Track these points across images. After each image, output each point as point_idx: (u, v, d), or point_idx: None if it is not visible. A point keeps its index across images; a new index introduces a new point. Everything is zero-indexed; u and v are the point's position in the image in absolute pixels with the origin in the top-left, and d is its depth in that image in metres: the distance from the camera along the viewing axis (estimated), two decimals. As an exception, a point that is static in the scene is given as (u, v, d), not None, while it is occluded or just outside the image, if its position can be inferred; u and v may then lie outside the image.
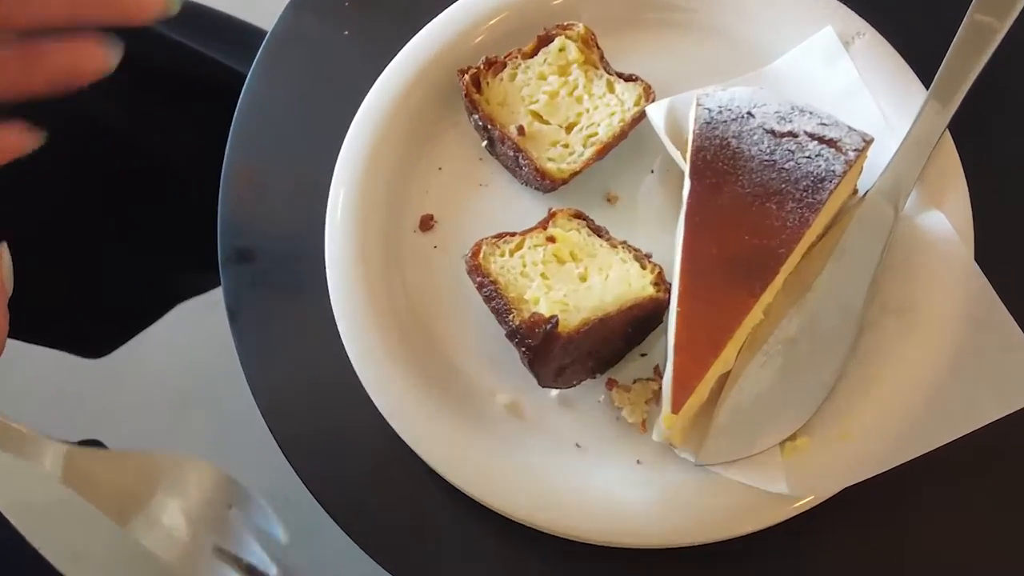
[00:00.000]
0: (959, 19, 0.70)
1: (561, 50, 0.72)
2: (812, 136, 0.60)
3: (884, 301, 0.66)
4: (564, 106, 0.71)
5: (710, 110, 0.62)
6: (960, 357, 0.63)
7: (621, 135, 0.70)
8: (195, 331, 1.67)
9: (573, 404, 0.68)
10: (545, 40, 0.72)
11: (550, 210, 0.68)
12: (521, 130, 0.70)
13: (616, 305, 0.63)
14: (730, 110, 0.61)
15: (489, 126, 0.70)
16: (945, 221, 0.66)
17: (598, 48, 0.72)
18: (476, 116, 0.71)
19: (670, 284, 0.64)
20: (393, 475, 0.68)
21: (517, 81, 0.72)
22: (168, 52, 0.93)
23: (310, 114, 0.79)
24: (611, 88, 0.71)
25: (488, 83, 0.72)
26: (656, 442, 0.65)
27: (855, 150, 0.59)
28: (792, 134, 0.60)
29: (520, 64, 0.72)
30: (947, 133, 0.68)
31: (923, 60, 0.71)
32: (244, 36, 1.04)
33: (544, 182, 0.69)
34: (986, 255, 0.66)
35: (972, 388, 0.63)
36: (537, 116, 0.71)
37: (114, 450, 0.61)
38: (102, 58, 0.47)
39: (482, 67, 0.71)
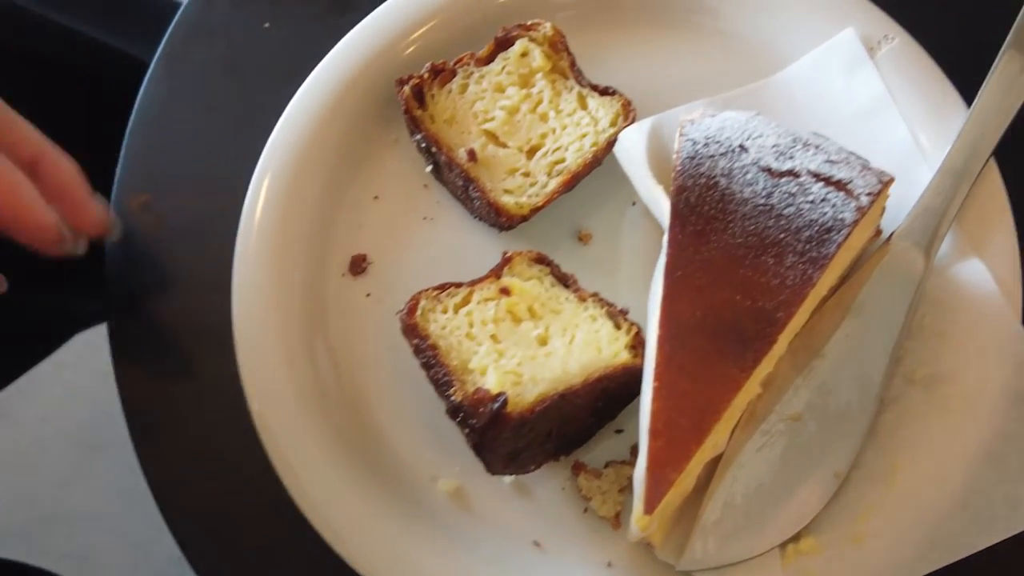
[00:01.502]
0: (1009, 21, 0.70)
1: (523, 55, 0.72)
2: (817, 176, 0.59)
3: (909, 371, 0.66)
4: (525, 125, 0.71)
5: (695, 141, 0.61)
6: (1002, 442, 0.63)
7: (594, 162, 0.69)
8: (98, 363, 1.67)
9: (531, 492, 0.68)
10: (504, 43, 0.72)
11: (504, 253, 0.68)
12: (472, 155, 0.69)
13: (582, 376, 0.63)
14: (719, 142, 0.61)
15: (434, 149, 0.70)
16: (986, 273, 0.66)
17: (568, 53, 0.72)
18: (419, 136, 0.70)
19: (649, 349, 0.64)
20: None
21: (469, 93, 0.71)
22: (46, 38, 0.92)
23: (220, 126, 0.78)
24: (583, 103, 0.71)
25: (434, 96, 0.71)
26: (632, 542, 0.64)
27: (869, 194, 0.59)
28: (793, 173, 0.60)
29: (473, 72, 0.72)
30: (992, 162, 0.68)
31: (964, 71, 0.70)
32: (147, 12, 1.04)
33: (500, 219, 0.69)
34: (1036, 316, 0.66)
35: (1017, 480, 0.62)
36: (492, 137, 0.71)
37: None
38: None
39: (426, 76, 0.71)
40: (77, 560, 1.66)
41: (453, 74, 0.72)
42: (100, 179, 0.79)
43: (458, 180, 0.69)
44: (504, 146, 0.71)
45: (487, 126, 0.71)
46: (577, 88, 0.71)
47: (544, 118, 0.71)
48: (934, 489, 0.63)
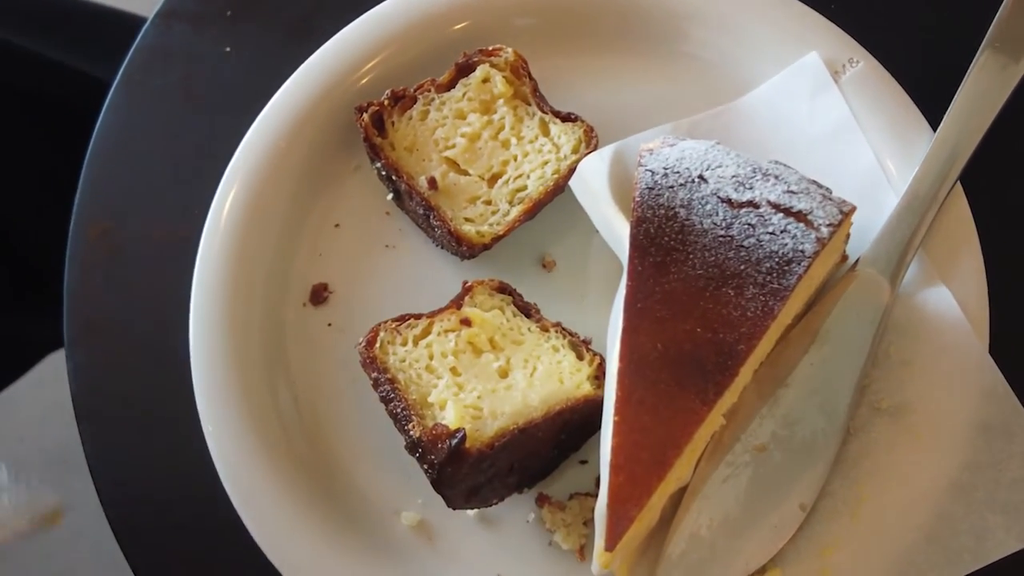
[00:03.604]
0: (975, 45, 0.69)
1: (485, 81, 0.70)
2: (776, 207, 0.58)
3: (875, 400, 0.65)
4: (487, 152, 0.69)
5: (653, 172, 0.60)
6: (969, 472, 0.62)
7: (555, 189, 0.68)
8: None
9: (495, 524, 0.67)
10: (465, 69, 0.71)
11: (464, 283, 0.67)
12: (433, 183, 0.68)
13: (543, 409, 0.62)
14: (678, 173, 0.60)
15: (395, 177, 0.68)
16: (952, 300, 0.65)
17: (531, 79, 0.70)
18: (379, 164, 0.69)
19: (612, 381, 0.63)
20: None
21: (429, 120, 0.70)
22: (10, 63, 0.91)
23: (180, 153, 0.77)
24: (545, 130, 0.70)
25: (394, 123, 0.70)
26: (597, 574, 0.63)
27: (829, 225, 0.58)
28: (752, 204, 0.58)
29: (433, 99, 0.70)
30: (959, 187, 0.67)
31: (930, 95, 0.69)
32: (109, 32, 1.02)
33: (461, 248, 0.67)
34: (1004, 344, 0.65)
35: (983, 511, 0.61)
36: (453, 165, 0.69)
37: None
38: None
39: (386, 102, 0.70)
40: (58, 579, 1.65)
41: (413, 100, 0.70)
42: (60, 207, 0.78)
43: (419, 208, 0.68)
44: (465, 174, 0.69)
45: (448, 153, 0.69)
46: (539, 114, 0.70)
47: (506, 145, 0.69)
48: (900, 521, 0.62)
